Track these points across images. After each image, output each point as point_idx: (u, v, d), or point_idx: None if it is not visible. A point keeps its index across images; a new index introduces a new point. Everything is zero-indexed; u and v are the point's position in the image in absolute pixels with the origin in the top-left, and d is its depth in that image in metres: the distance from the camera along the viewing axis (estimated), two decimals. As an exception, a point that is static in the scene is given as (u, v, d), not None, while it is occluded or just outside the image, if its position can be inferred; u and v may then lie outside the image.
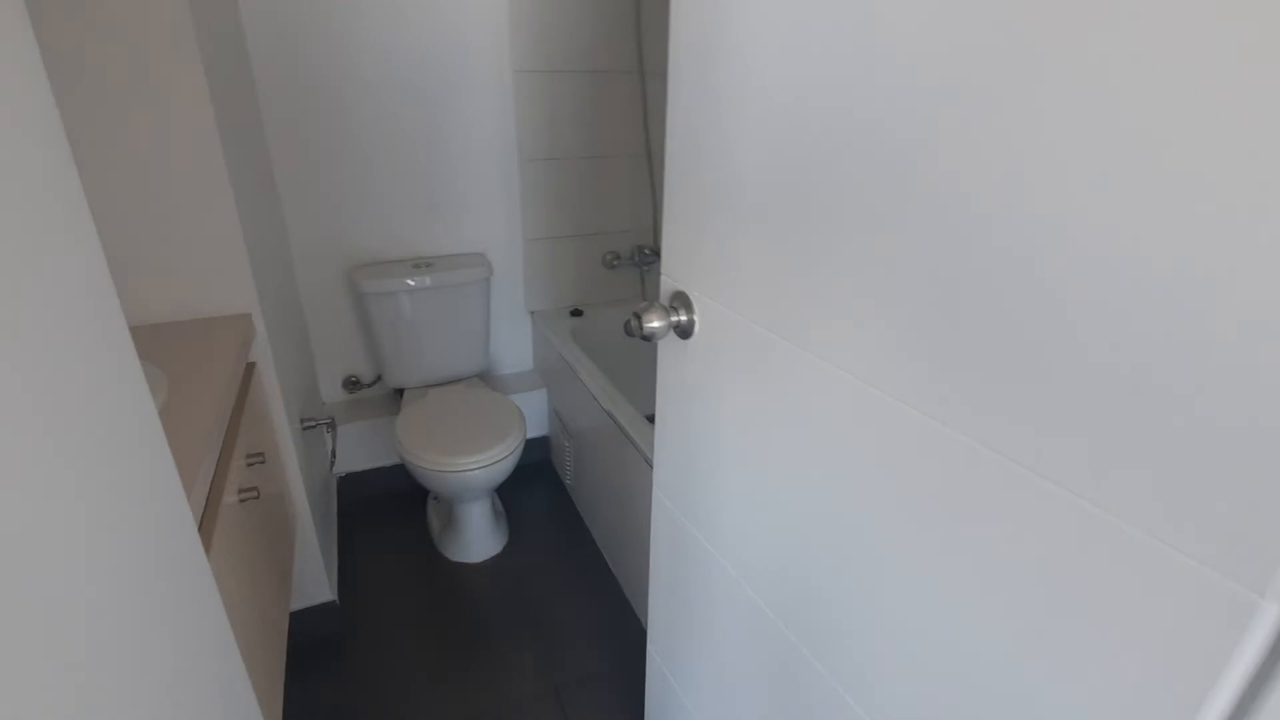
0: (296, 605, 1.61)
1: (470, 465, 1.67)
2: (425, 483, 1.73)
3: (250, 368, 1.32)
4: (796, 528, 0.76)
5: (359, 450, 2.14)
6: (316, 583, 1.62)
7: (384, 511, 2.13)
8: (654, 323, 0.86)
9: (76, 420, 0.44)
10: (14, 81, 0.42)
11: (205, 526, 0.90)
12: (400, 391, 2.12)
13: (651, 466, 1.49)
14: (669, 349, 0.95)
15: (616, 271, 2.39)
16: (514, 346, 2.38)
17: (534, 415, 2.34)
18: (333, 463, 1.82)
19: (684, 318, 0.88)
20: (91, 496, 0.45)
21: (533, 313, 2.33)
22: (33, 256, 0.41)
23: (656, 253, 2.35)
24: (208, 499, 0.94)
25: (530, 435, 2.32)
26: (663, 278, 0.93)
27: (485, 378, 2.32)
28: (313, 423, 1.63)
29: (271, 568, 1.19)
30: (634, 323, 0.87)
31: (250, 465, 1.10)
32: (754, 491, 0.83)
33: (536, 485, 2.27)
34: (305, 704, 1.50)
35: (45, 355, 0.41)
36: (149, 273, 1.23)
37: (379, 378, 2.19)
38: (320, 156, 1.88)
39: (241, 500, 1.01)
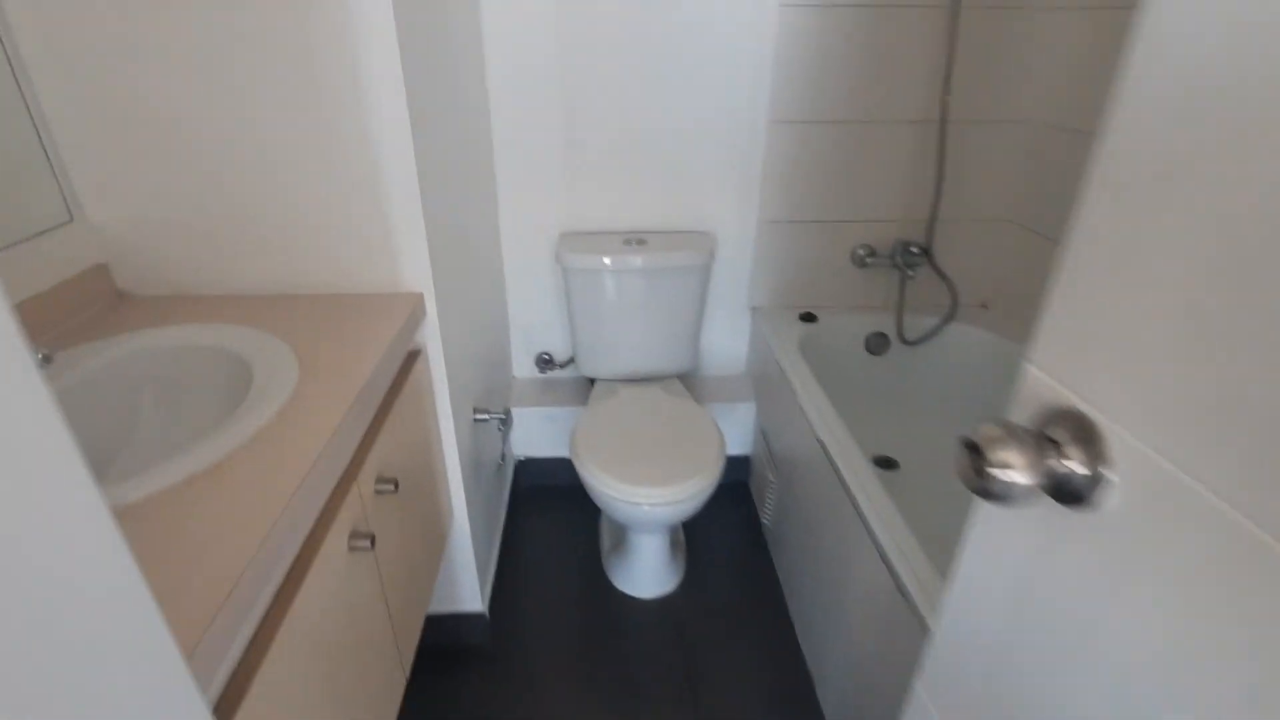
0: (442, 609, 1.45)
1: (650, 500, 1.36)
2: (597, 501, 1.46)
3: (413, 357, 1.11)
4: None
5: (541, 435, 1.95)
6: (466, 591, 1.44)
7: (556, 507, 1.93)
8: (1014, 469, 0.42)
9: None
10: None
11: (289, 584, 0.67)
12: (592, 381, 1.87)
13: (871, 535, 1.06)
14: (1031, 516, 0.50)
15: (868, 271, 1.88)
16: (727, 344, 2.01)
17: (737, 430, 1.97)
18: (501, 462, 1.63)
19: (1078, 467, 0.42)
20: None
21: (755, 309, 1.93)
22: None
23: (925, 252, 1.79)
24: (304, 545, 0.71)
25: (731, 453, 1.96)
26: (1029, 370, 0.48)
27: (688, 379, 1.99)
28: (485, 415, 1.42)
29: (401, 599, 0.99)
30: (967, 459, 0.43)
31: (380, 494, 0.88)
32: None
33: (728, 513, 1.91)
34: (437, 712, 1.35)
35: None
36: (304, 234, 1.06)
37: (572, 360, 1.96)
38: (543, 105, 1.63)
39: (353, 549, 0.78)
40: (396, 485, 0.88)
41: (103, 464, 0.82)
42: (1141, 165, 0.39)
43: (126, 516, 0.61)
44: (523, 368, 2.02)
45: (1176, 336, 0.36)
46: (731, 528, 1.87)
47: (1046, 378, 0.46)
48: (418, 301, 1.08)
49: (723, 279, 1.89)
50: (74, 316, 1.00)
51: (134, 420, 0.88)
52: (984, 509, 0.53)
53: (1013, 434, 0.42)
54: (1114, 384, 0.41)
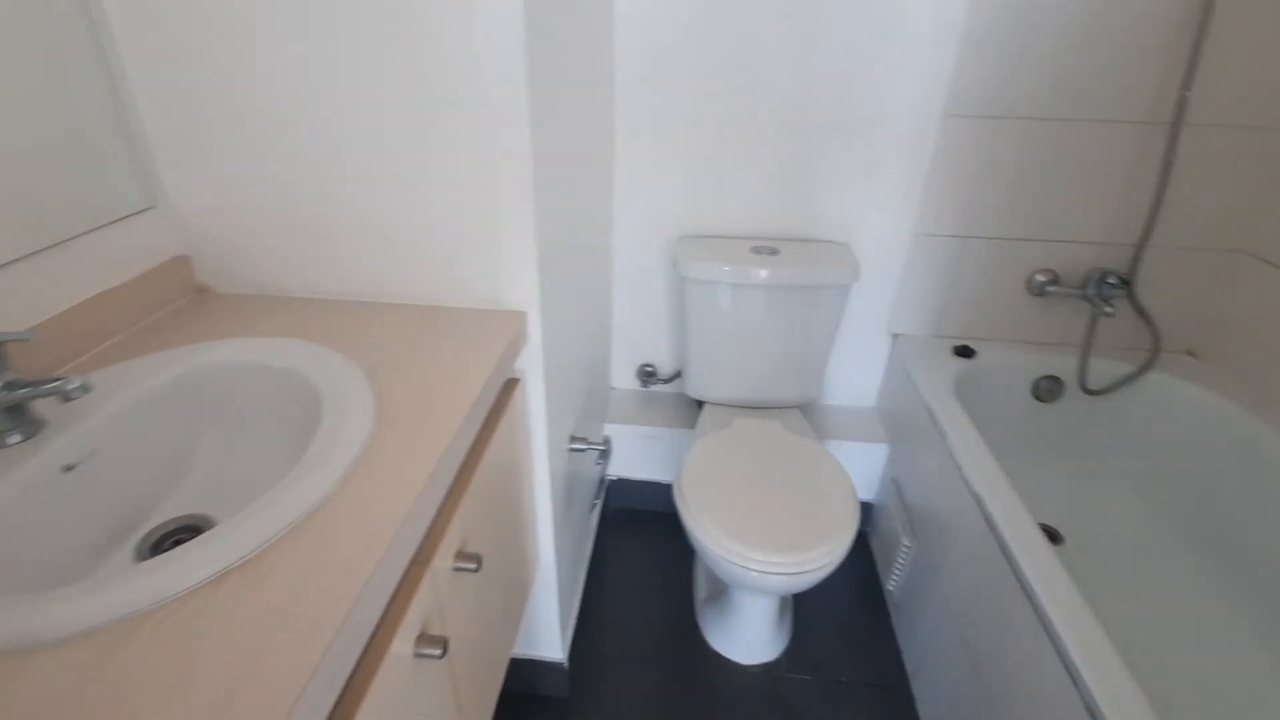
0: (519, 653, 1.30)
1: (769, 568, 1.13)
2: (703, 557, 1.25)
3: (510, 386, 0.93)
4: None
5: (637, 456, 1.76)
6: (546, 637, 1.28)
7: (648, 539, 1.74)
8: None
9: None
10: None
11: (345, 702, 0.51)
12: (700, 405, 1.66)
13: (1046, 629, 0.81)
14: None
15: (1048, 301, 1.55)
16: (858, 372, 1.74)
17: (863, 474, 1.70)
18: (595, 505, 1.44)
19: None
20: None
21: (896, 336, 1.65)
22: None
23: (1126, 283, 1.45)
24: (365, 650, 0.55)
25: (849, 497, 1.70)
26: None
27: (809, 410, 1.74)
28: (584, 446, 1.24)
29: (476, 690, 0.82)
30: None
31: (458, 572, 0.70)
32: None
33: (845, 571, 1.66)
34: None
35: None
36: (400, 236, 0.89)
37: (678, 374, 1.76)
38: (671, 82, 1.41)
39: (418, 655, 0.61)
40: (480, 564, 0.71)
41: (145, 511, 0.69)
42: None
43: (135, 630, 0.46)
44: (622, 378, 1.83)
45: None
46: (848, 590, 1.61)
47: None
48: (520, 322, 0.90)
49: (861, 298, 1.62)
50: (151, 313, 0.89)
51: (190, 456, 0.75)
52: None
53: None
54: None
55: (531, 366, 0.97)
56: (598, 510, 1.75)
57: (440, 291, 0.93)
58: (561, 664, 1.31)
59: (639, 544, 1.73)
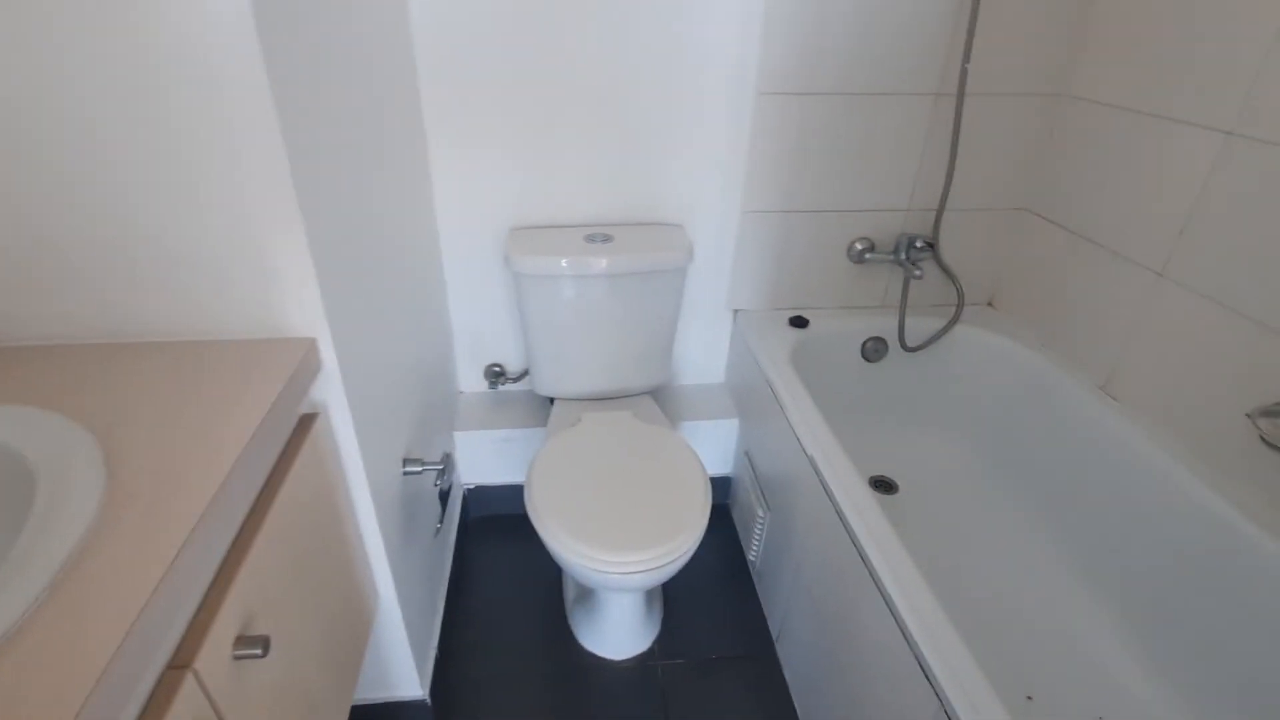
0: (371, 697, 1.19)
1: (625, 567, 1.11)
2: (561, 564, 1.20)
3: (307, 421, 0.82)
4: None
5: (493, 460, 1.68)
6: (401, 676, 1.18)
7: (511, 544, 1.68)
8: None
9: None
10: None
11: None
12: (551, 401, 1.60)
13: (879, 587, 0.86)
14: None
15: (866, 268, 1.64)
16: (705, 351, 1.75)
17: (718, 449, 1.73)
18: (438, 529, 1.36)
19: None
20: None
21: (737, 312, 1.68)
22: None
23: (931, 246, 1.56)
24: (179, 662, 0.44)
25: (710, 474, 1.72)
26: None
27: (659, 393, 1.74)
28: (419, 468, 1.14)
29: (315, 676, 0.72)
30: None
31: (239, 659, 0.60)
32: None
33: (709, 547, 1.69)
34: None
35: None
36: (137, 258, 0.75)
37: (526, 373, 1.69)
38: (483, 68, 1.32)
39: (237, 657, 0.51)
40: (266, 646, 0.61)
41: None
42: None
43: None
44: (470, 381, 1.73)
45: None
46: (713, 566, 1.64)
47: None
48: (309, 348, 0.79)
49: (700, 277, 1.63)
50: None
51: None
52: None
53: None
54: None
55: (333, 395, 0.86)
56: (454, 521, 1.65)
57: (205, 323, 0.79)
58: (423, 700, 1.22)
59: (503, 552, 1.66)
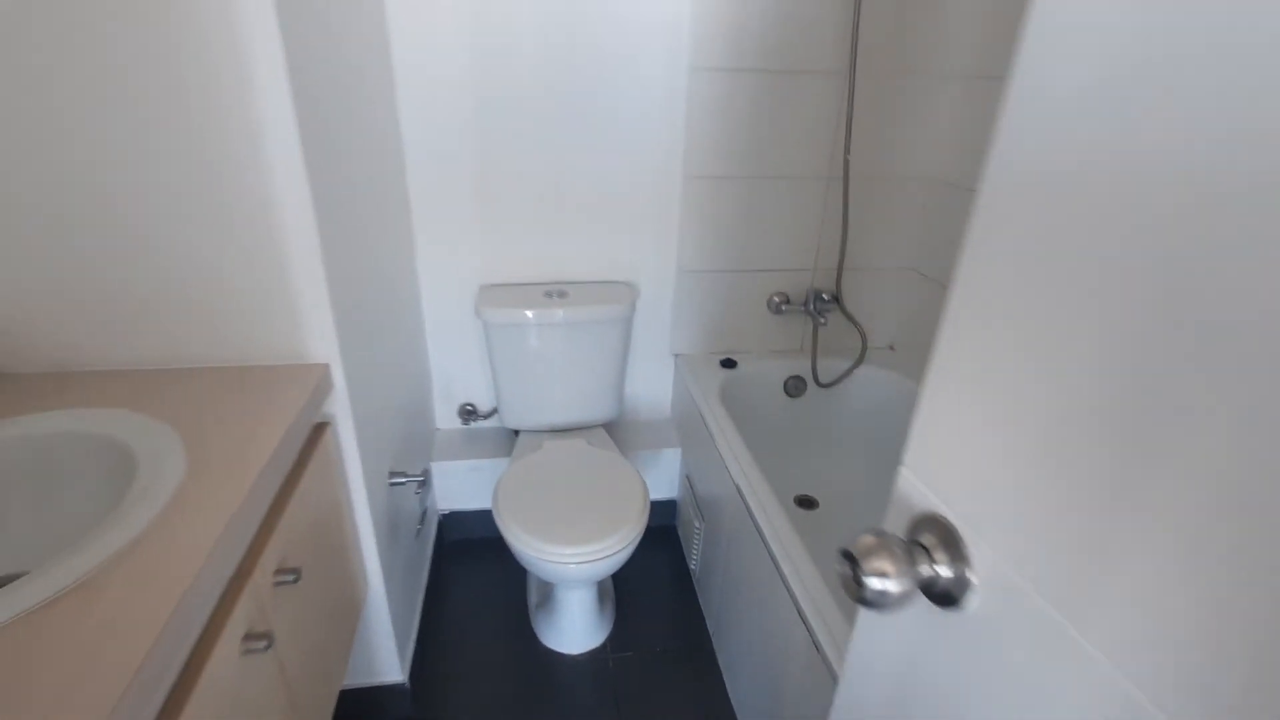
0: (359, 682, 1.39)
1: (570, 558, 1.35)
2: (521, 561, 1.43)
3: (320, 429, 1.07)
4: None
5: (465, 488, 1.91)
6: (385, 661, 1.38)
7: (482, 562, 1.89)
8: (886, 577, 0.44)
9: None
10: None
11: (176, 695, 0.63)
12: (516, 433, 1.85)
13: (786, 584, 1.09)
14: (907, 617, 0.53)
15: (783, 318, 1.95)
16: (652, 390, 2.03)
17: (664, 475, 1.98)
18: (420, 528, 1.59)
19: (945, 569, 0.45)
20: None
21: (677, 356, 1.97)
22: None
23: (836, 299, 1.88)
24: (191, 658, 0.67)
25: (657, 497, 1.97)
26: (902, 474, 0.51)
27: (613, 427, 2.00)
28: (402, 479, 1.38)
29: (307, 690, 0.94)
30: (845, 569, 0.46)
31: (279, 585, 0.84)
32: None
33: (656, 559, 1.92)
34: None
35: None
36: (195, 302, 1.01)
37: (495, 411, 1.94)
38: (459, 159, 1.63)
39: (248, 652, 0.74)
40: (299, 575, 0.84)
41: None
42: (994, 297, 0.43)
43: (-19, 649, 0.56)
44: (445, 419, 1.98)
45: (1025, 457, 0.40)
46: (660, 574, 1.87)
47: (918, 482, 0.49)
48: (323, 373, 1.05)
49: (645, 327, 1.92)
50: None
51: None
52: (863, 621, 0.56)
53: (885, 544, 0.45)
54: (972, 493, 0.44)
55: (341, 411, 1.11)
56: (430, 539, 1.86)
57: (244, 354, 1.05)
58: (403, 684, 1.42)
59: (475, 569, 1.87)
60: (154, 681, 0.58)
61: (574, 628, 1.61)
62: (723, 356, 1.93)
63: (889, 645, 0.55)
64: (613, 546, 1.37)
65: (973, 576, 0.44)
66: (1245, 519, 0.28)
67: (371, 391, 1.25)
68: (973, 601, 0.44)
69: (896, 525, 0.51)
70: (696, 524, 1.73)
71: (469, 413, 1.94)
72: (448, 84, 1.55)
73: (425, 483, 1.43)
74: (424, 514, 1.61)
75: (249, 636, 0.75)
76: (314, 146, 0.97)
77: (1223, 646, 0.29)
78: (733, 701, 1.51)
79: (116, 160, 0.91)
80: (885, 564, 0.44)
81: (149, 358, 1.03)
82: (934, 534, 0.46)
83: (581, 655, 1.61)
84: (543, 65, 1.56)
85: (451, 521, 1.95)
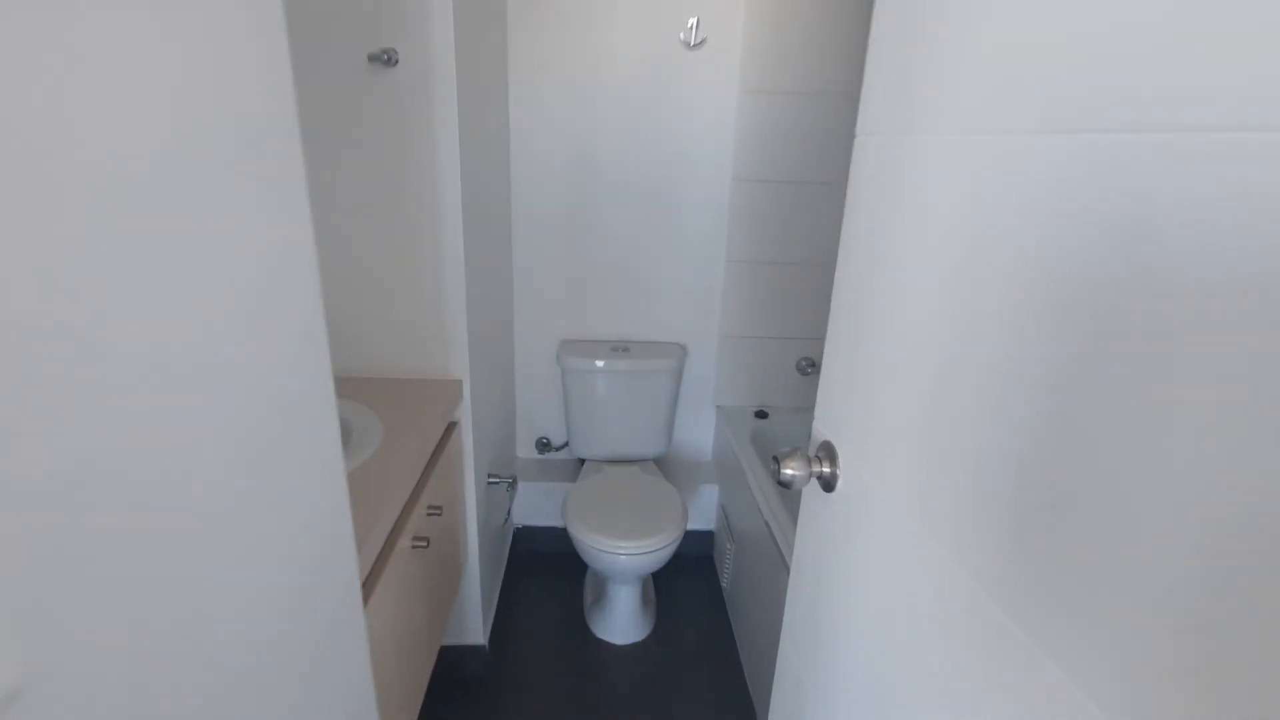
0: (450, 641, 1.76)
1: (622, 550, 1.71)
2: (582, 554, 1.80)
3: (451, 427, 1.51)
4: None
5: (539, 507, 2.30)
6: (472, 626, 1.76)
7: (549, 570, 2.25)
8: (792, 470, 0.82)
9: (279, 468, 0.55)
10: (283, 176, 0.56)
11: (376, 568, 1.04)
12: (582, 461, 2.26)
13: None
14: (812, 497, 0.90)
15: (809, 379, 2.32)
16: (697, 436, 2.41)
17: (704, 508, 2.33)
18: (507, 519, 1.99)
19: (828, 470, 0.83)
20: (281, 549, 0.55)
21: (719, 407, 2.35)
22: (268, 325, 0.53)
23: (855, 364, 2.24)
24: (385, 542, 1.08)
25: (696, 528, 2.31)
26: (814, 423, 0.89)
27: (663, 462, 2.38)
28: (497, 479, 1.80)
29: (429, 608, 1.33)
30: (774, 466, 0.84)
31: (429, 515, 1.25)
32: (867, 667, 0.74)
33: (695, 579, 2.24)
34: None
35: (268, 408, 0.52)
36: (386, 333, 1.49)
37: (566, 444, 2.36)
38: (553, 240, 2.13)
39: (413, 547, 1.15)
40: (442, 511, 1.26)
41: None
42: (847, 321, 0.82)
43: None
44: (525, 449, 2.41)
45: (870, 405, 0.78)
46: (696, 591, 2.18)
47: (819, 425, 0.87)
48: (458, 387, 1.50)
49: (693, 381, 2.33)
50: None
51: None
52: (804, 504, 0.92)
53: (796, 452, 0.83)
54: (846, 429, 0.82)
55: (465, 416, 1.55)
56: (508, 542, 2.25)
57: (414, 368, 1.52)
58: (483, 647, 1.78)
59: (542, 574, 2.23)
60: (385, 528, 1.00)
61: (621, 621, 1.94)
62: (756, 409, 2.30)
63: (806, 531, 0.91)
64: (655, 545, 1.73)
65: (840, 473, 0.81)
66: (993, 424, 0.65)
67: (484, 407, 1.70)
68: (841, 488, 0.81)
69: (809, 448, 0.88)
70: (728, 545, 2.06)
71: (544, 445, 2.37)
72: (547, 182, 2.07)
73: (513, 485, 1.85)
74: (509, 511, 2.02)
75: (415, 537, 1.16)
76: (470, 234, 1.46)
77: (970, 491, 0.65)
78: (751, 695, 1.79)
79: (369, 234, 1.42)
80: (794, 462, 0.82)
81: (355, 367, 1.52)
82: (824, 452, 0.83)
83: (626, 645, 1.94)
84: (620, 168, 2.07)
85: (524, 534, 2.34)
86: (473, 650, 1.78)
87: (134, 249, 0.38)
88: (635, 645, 1.94)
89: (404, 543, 1.13)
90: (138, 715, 0.40)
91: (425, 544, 1.17)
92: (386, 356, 1.51)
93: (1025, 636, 0.51)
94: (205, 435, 0.46)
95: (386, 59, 1.25)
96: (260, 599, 0.55)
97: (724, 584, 2.14)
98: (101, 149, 0.36)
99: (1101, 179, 0.45)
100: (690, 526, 2.31)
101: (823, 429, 0.87)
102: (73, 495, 0.34)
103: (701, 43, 1.98)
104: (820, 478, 0.84)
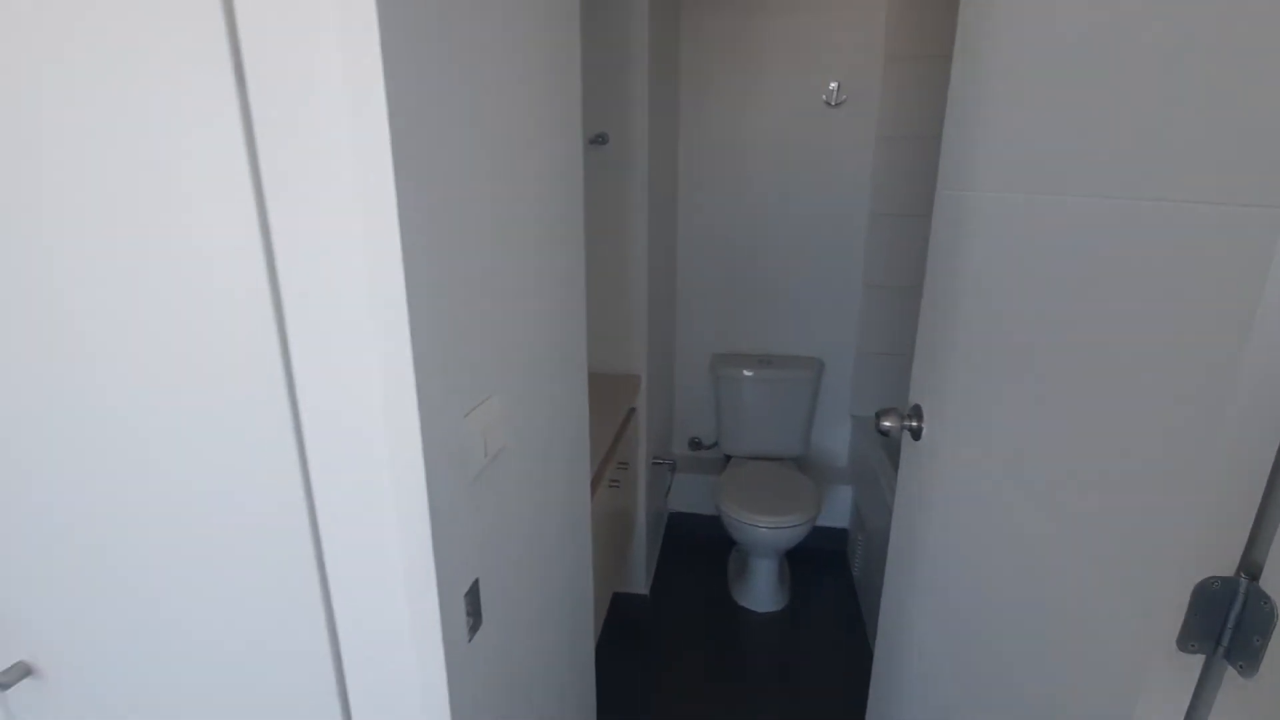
0: (620, 588, 2.19)
1: (763, 523, 2.05)
2: (727, 528, 2.16)
3: (631, 412, 1.96)
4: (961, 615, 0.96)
5: (690, 496, 2.70)
6: (637, 576, 2.17)
7: (698, 550, 2.63)
8: (889, 422, 1.15)
9: (570, 413, 1.00)
10: (569, 232, 1.02)
11: (593, 481, 1.49)
12: (729, 458, 2.63)
13: None
14: (908, 445, 1.22)
15: (941, 392, 2.52)
16: (833, 443, 2.69)
17: (838, 508, 2.59)
18: (667, 494, 2.39)
19: (915, 424, 1.15)
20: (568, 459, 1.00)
21: (854, 416, 2.62)
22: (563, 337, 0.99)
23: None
24: (594, 477, 1.53)
25: (831, 524, 2.58)
26: (911, 390, 1.21)
27: (801, 462, 2.68)
28: (661, 461, 2.22)
29: (615, 535, 1.76)
30: (875, 420, 1.17)
31: (619, 468, 1.69)
32: (938, 576, 1.05)
33: (828, 571, 2.50)
34: (608, 667, 2.04)
35: (565, 383, 0.98)
36: (595, 336, 1.98)
37: (715, 443, 2.74)
38: (709, 269, 2.56)
39: (610, 485, 1.59)
40: (628, 465, 1.70)
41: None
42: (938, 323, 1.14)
43: (537, 444, 1.48)
44: (680, 447, 2.82)
45: (949, 374, 1.10)
46: (830, 580, 2.45)
47: (913, 392, 1.19)
48: (638, 381, 1.95)
49: (832, 391, 2.62)
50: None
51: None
52: (904, 451, 1.24)
53: (891, 411, 1.16)
54: (929, 394, 1.13)
55: (641, 405, 2.00)
56: (664, 522, 2.66)
57: (613, 366, 1.99)
58: (645, 595, 2.19)
59: (693, 551, 2.61)
60: (599, 457, 1.45)
61: (760, 591, 2.26)
62: (889, 418, 2.54)
63: (904, 470, 1.22)
64: (792, 521, 2.05)
65: (925, 426, 1.12)
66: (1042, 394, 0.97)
67: (654, 399, 2.14)
68: (925, 436, 1.12)
69: (905, 407, 1.20)
70: (859, 538, 2.32)
71: (696, 444, 2.77)
72: (707, 223, 2.51)
73: (673, 468, 2.26)
74: (668, 489, 2.43)
75: (611, 479, 1.61)
76: (651, 263, 1.92)
77: (1003, 437, 0.97)
78: (871, 646, 2.02)
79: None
80: (890, 417, 1.15)
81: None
82: (914, 411, 1.15)
83: (763, 613, 2.25)
84: (768, 209, 2.46)
85: (677, 519, 2.74)
86: (638, 599, 2.19)
87: (538, 289, 0.85)
88: (771, 614, 2.25)
89: (606, 476, 1.57)
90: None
91: (618, 485, 1.60)
92: (600, 356, 2.00)
93: (1055, 526, 0.82)
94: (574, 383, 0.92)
95: (600, 140, 1.76)
96: (557, 495, 1.01)
97: (855, 573, 2.39)
98: (528, 242, 0.82)
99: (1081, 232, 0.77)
100: (825, 523, 2.58)
101: (915, 395, 1.19)
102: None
103: (842, 102, 2.34)
104: (911, 430, 1.16)
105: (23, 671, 0.73)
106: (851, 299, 2.51)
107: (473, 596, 0.68)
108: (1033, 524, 0.81)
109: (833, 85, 2.32)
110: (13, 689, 0.73)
